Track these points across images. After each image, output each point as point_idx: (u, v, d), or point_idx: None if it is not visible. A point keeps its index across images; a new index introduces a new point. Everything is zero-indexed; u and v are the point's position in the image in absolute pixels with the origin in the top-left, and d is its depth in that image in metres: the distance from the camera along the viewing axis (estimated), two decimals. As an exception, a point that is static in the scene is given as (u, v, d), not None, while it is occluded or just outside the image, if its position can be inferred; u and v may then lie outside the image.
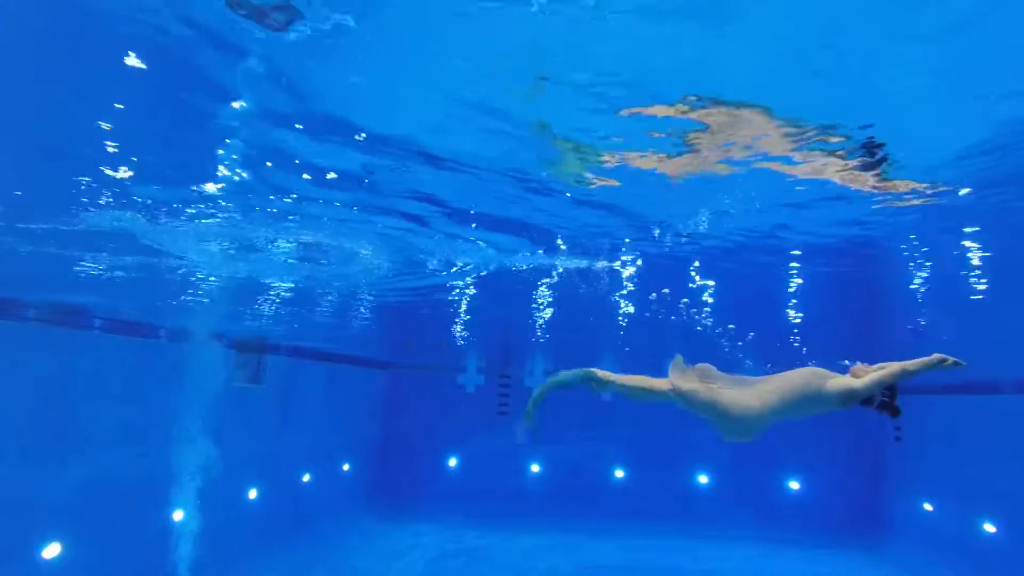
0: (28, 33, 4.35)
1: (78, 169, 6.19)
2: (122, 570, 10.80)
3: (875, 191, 7.39)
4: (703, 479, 21.49)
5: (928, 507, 16.62)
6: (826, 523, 19.50)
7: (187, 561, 12.12)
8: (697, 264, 10.85)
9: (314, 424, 18.16)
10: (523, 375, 22.29)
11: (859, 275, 11.51)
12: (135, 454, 11.68)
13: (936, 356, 5.07)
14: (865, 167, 6.65)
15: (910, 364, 5.13)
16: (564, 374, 5.59)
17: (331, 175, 6.95)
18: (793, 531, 19.15)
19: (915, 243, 9.70)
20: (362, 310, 14.28)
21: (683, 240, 9.55)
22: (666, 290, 11.75)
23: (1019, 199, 7.55)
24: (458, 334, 17.74)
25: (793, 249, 10.08)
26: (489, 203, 8.12)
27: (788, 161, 6.57)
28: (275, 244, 9.04)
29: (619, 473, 21.87)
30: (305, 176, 6.91)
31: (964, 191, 7.36)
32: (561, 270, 11.22)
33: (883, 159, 6.48)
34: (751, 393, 5.38)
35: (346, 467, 20.32)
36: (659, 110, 5.56)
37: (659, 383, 5.52)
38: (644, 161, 6.57)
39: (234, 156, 6.19)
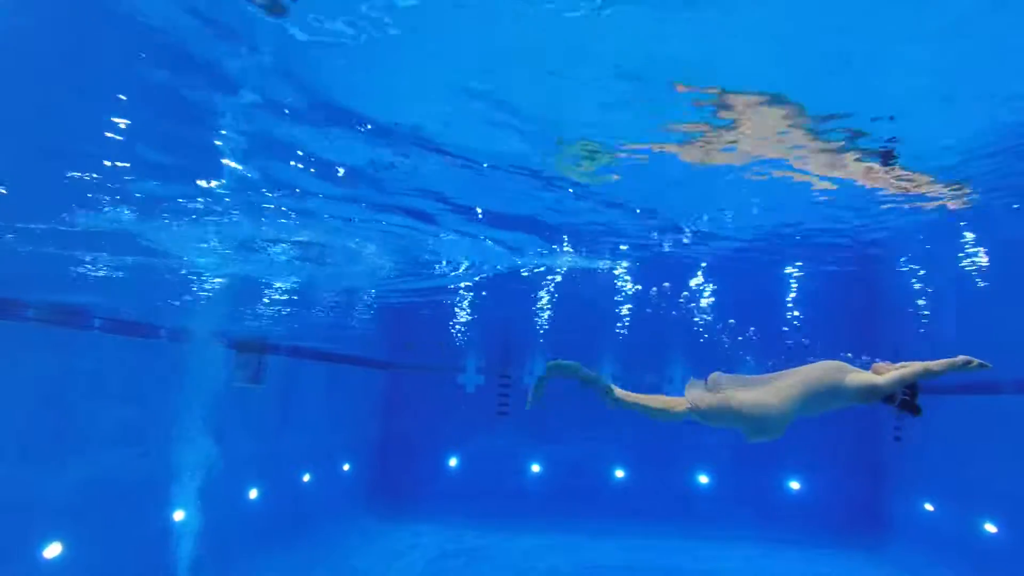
0: (27, 32, 4.33)
1: (77, 166, 6.12)
2: (122, 570, 10.79)
3: (893, 190, 7.31)
4: (703, 479, 21.49)
5: (928, 507, 16.63)
6: (826, 523, 19.50)
7: (187, 561, 12.12)
8: (704, 264, 10.81)
9: (314, 424, 18.16)
10: (523, 375, 22.31)
11: (860, 275, 11.49)
12: (135, 454, 11.67)
13: (961, 358, 5.03)
14: (883, 162, 6.56)
15: (934, 364, 5.11)
16: (586, 372, 5.53)
17: (338, 169, 6.83)
18: (793, 531, 19.15)
19: (923, 244, 9.68)
20: (363, 310, 14.27)
21: (692, 238, 9.48)
22: (666, 283, 11.71)
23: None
24: (458, 334, 17.73)
25: (801, 247, 9.99)
26: (497, 200, 8.03)
27: (801, 160, 6.52)
28: (276, 244, 9.01)
29: (619, 473, 21.87)
30: (311, 171, 6.79)
31: (969, 190, 7.35)
32: (565, 269, 11.16)
33: (896, 155, 6.39)
34: (768, 390, 5.35)
35: (346, 467, 20.32)
36: (681, 94, 5.41)
37: (677, 403, 5.48)
38: (659, 148, 6.42)
39: (235, 150, 6.12)
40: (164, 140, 5.83)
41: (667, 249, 9.97)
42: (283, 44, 4.67)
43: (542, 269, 11.13)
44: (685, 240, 9.57)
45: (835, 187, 7.30)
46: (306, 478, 17.84)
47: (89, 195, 6.74)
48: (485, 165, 6.96)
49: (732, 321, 14.01)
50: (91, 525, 10.33)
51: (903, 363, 5.25)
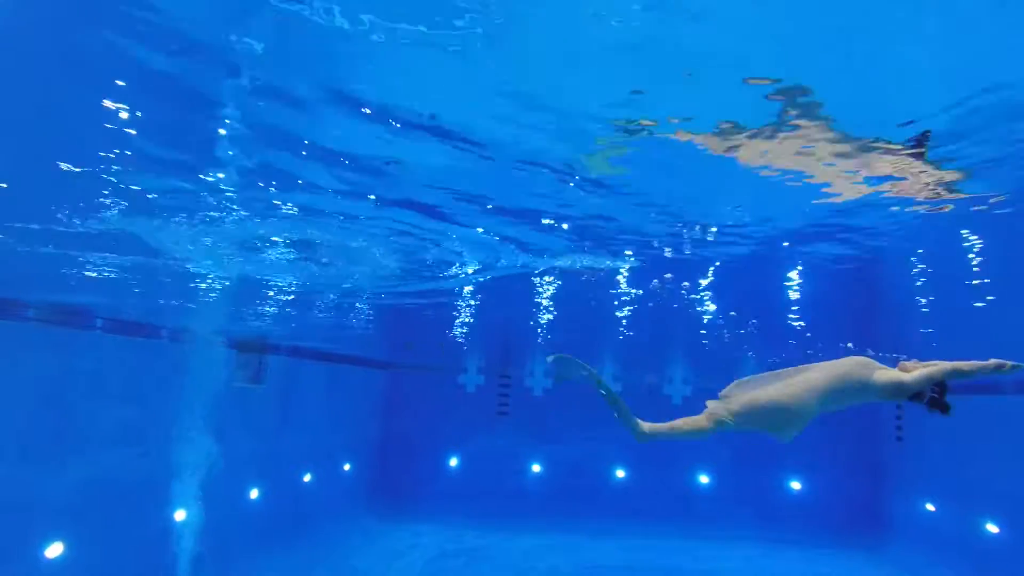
0: (26, 29, 4.29)
1: (73, 160, 6.01)
2: (123, 570, 10.80)
3: (928, 194, 7.22)
4: (703, 479, 21.50)
5: (929, 507, 16.63)
6: (826, 523, 19.52)
7: (188, 561, 12.13)
8: (718, 264, 10.68)
9: (314, 424, 18.17)
10: (523, 375, 22.31)
11: (863, 274, 11.42)
12: (135, 454, 11.68)
13: (993, 362, 5.00)
14: (915, 157, 6.46)
15: (964, 365, 5.09)
16: (624, 406, 5.43)
17: (344, 160, 6.65)
18: (793, 531, 19.18)
19: (928, 245, 9.63)
20: (364, 310, 14.24)
21: (712, 236, 9.30)
22: (668, 275, 11.56)
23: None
24: (459, 335, 17.71)
25: (815, 243, 9.82)
26: (512, 197, 7.84)
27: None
28: (278, 243, 8.97)
29: (619, 473, 21.88)
30: (315, 167, 6.67)
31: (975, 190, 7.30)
32: (579, 266, 10.99)
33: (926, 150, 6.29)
34: (793, 382, 5.33)
35: (346, 467, 20.33)
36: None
37: (702, 421, 5.44)
38: (686, 137, 6.24)
39: (236, 144, 6.00)
40: (165, 132, 5.68)
41: (684, 248, 9.76)
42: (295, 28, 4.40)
43: (549, 268, 10.98)
44: (707, 238, 9.35)
45: (867, 188, 7.18)
46: (306, 478, 17.85)
47: (86, 192, 6.66)
48: (500, 158, 6.69)
49: (733, 313, 13.89)
50: (92, 525, 10.34)
51: (930, 361, 5.22)
